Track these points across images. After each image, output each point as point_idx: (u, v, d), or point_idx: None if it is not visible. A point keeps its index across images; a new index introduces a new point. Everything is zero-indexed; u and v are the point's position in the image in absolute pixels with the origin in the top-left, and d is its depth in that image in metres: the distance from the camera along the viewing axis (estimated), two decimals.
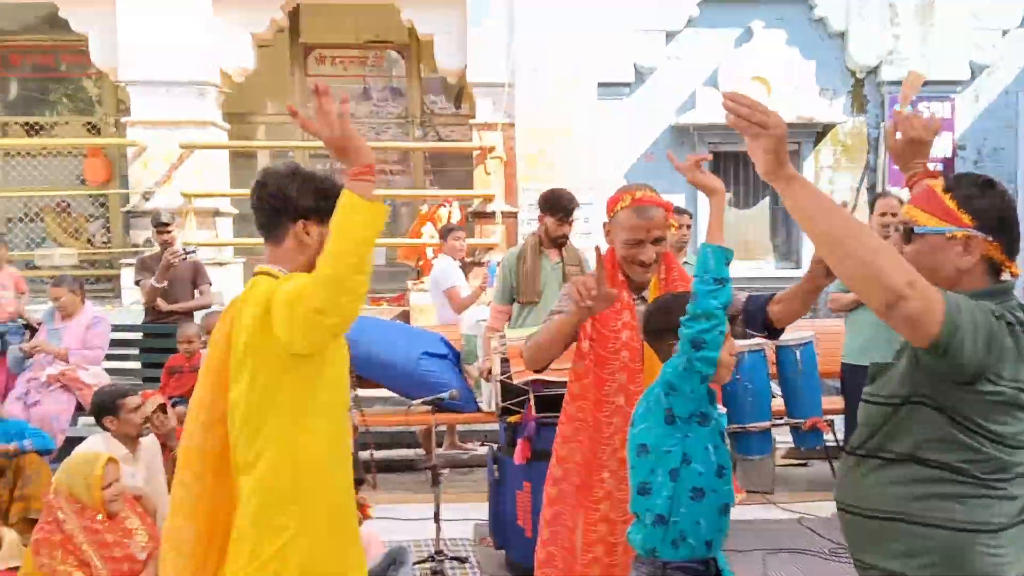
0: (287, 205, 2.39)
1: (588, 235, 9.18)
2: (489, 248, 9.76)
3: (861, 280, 1.84)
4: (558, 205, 5.52)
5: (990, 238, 2.00)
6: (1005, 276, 2.13)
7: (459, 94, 12.32)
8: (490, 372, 5.39)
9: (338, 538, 2.42)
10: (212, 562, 2.37)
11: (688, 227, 6.29)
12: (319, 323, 2.12)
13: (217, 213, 10.15)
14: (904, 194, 8.83)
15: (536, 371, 3.29)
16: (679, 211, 6.25)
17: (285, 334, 2.20)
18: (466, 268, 8.10)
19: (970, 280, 2.02)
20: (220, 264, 9.72)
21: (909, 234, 2.06)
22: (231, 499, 2.36)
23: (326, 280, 2.10)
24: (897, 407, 2.01)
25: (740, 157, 10.35)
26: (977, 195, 2.02)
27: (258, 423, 2.30)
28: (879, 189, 9.88)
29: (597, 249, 2.78)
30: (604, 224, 2.95)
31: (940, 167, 10.08)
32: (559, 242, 5.58)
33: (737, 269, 9.86)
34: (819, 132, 10.19)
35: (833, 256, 1.88)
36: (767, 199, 10.48)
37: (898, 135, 2.43)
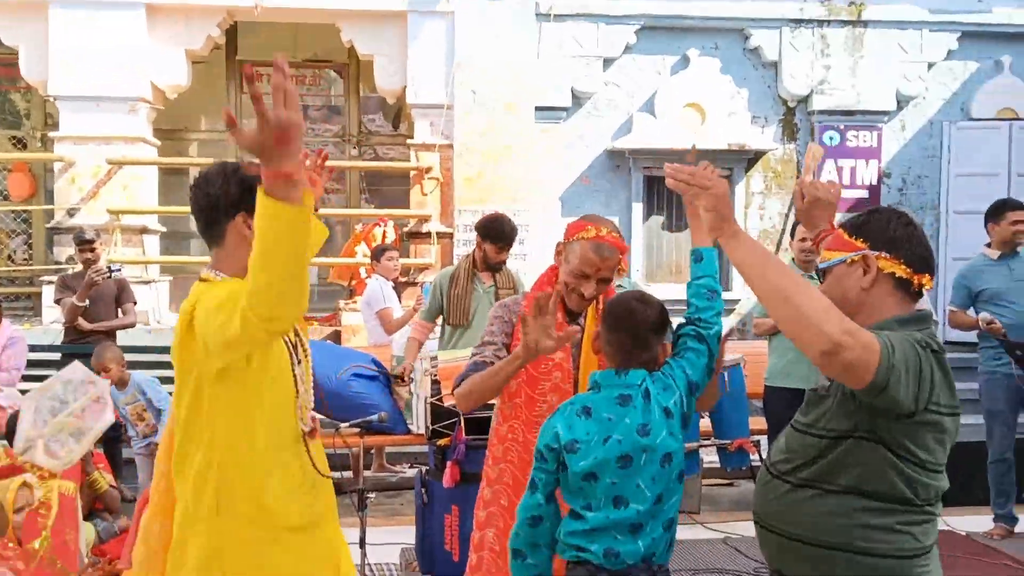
0: (221, 202, 2.34)
1: (524, 257, 9.20)
2: (423, 268, 9.72)
3: (800, 329, 1.97)
4: (500, 234, 5.49)
5: (884, 253, 2.14)
6: (922, 302, 2.25)
7: (397, 114, 12.28)
8: (403, 377, 5.44)
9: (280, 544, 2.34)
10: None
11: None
12: (262, 329, 2.01)
13: (144, 230, 9.93)
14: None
15: (466, 412, 3.21)
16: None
17: (217, 338, 2.11)
18: (399, 288, 8.04)
19: (879, 296, 2.15)
20: (146, 282, 9.51)
21: (821, 273, 2.26)
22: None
23: (263, 288, 1.95)
24: (836, 440, 2.09)
25: None
26: (864, 221, 2.22)
27: (188, 429, 2.30)
28: None
29: (557, 292, 2.74)
30: (559, 244, 2.94)
31: (866, 193, 10.33)
32: (495, 267, 5.56)
33: (669, 291, 9.95)
34: (750, 159, 10.36)
35: (773, 305, 2.06)
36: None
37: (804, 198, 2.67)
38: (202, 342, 2.19)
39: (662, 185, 10.58)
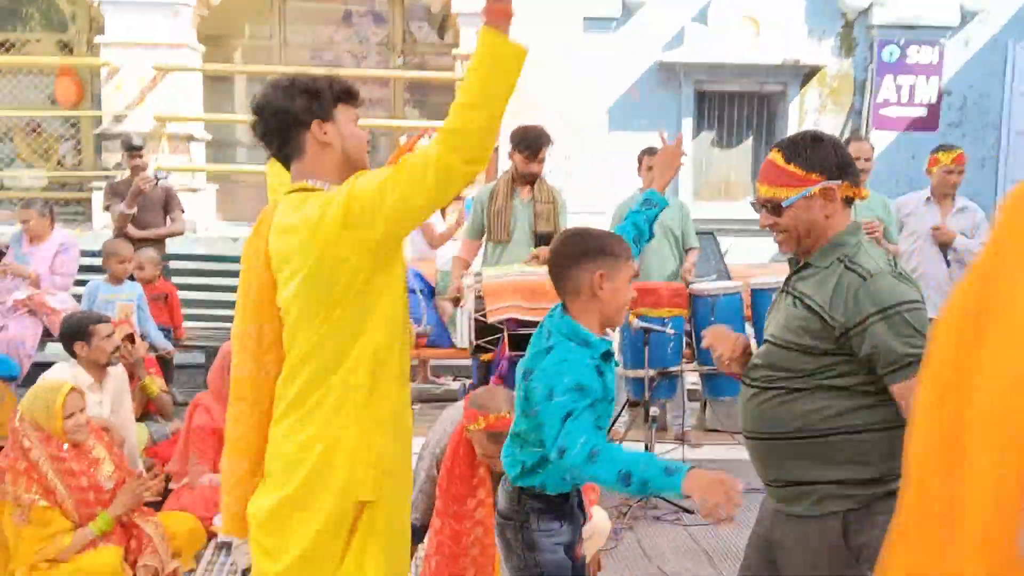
0: (292, 118, 2.35)
1: (569, 174, 9.09)
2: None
3: None
4: (524, 142, 5.39)
5: (839, 181, 2.32)
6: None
7: (443, 23, 12.04)
8: (459, 300, 5.38)
9: (403, 441, 2.46)
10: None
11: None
12: (464, 172, 2.14)
13: (191, 138, 9.94)
14: (881, 137, 8.80)
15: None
16: (651, 152, 6.14)
17: (402, 206, 2.17)
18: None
19: (835, 217, 2.33)
20: (193, 190, 9.55)
21: (778, 209, 2.35)
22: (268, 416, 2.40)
23: (465, 132, 2.11)
24: (821, 355, 2.29)
25: (725, 96, 10.22)
26: (815, 152, 2.33)
27: (334, 322, 2.28)
28: (862, 133, 9.79)
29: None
30: (463, 421, 3.26)
31: (925, 112, 10.01)
32: (529, 180, 5.46)
33: (718, 210, 9.82)
34: (806, 74, 10.05)
35: None
36: (749, 139, 10.39)
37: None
38: (370, 230, 2.19)
39: (713, 100, 10.36)
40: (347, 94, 2.41)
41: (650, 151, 6.15)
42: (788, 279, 2.44)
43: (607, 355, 2.43)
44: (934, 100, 10.01)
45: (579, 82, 9.59)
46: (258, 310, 2.38)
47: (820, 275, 2.31)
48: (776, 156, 2.38)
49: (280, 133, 2.38)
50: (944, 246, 5.69)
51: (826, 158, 2.33)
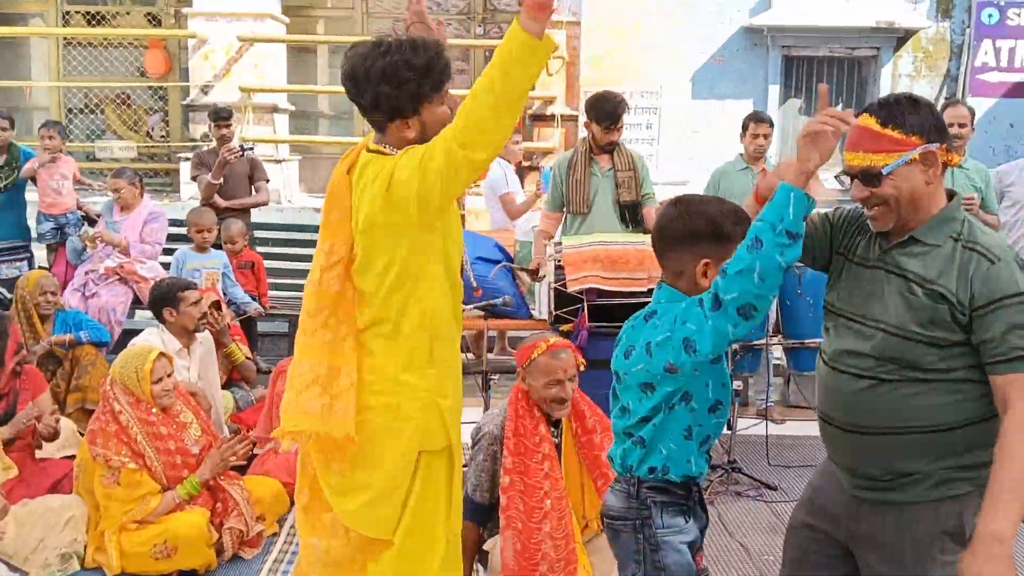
0: (386, 102, 2.40)
1: (651, 141, 8.94)
2: (547, 152, 9.56)
3: None
4: (603, 111, 5.23)
5: (938, 144, 2.15)
6: None
7: None
8: (537, 271, 5.31)
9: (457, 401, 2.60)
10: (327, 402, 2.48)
11: (766, 136, 5.96)
12: (466, 159, 2.23)
13: (275, 109, 10.07)
14: (978, 104, 8.39)
15: None
16: (758, 119, 5.97)
17: (429, 182, 2.28)
18: (522, 173, 7.94)
19: (936, 185, 2.18)
20: (277, 161, 9.68)
21: (877, 178, 2.16)
22: (351, 335, 2.47)
23: (481, 117, 2.20)
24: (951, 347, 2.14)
25: (814, 62, 9.91)
26: (913, 114, 2.16)
27: (394, 288, 2.42)
28: (959, 98, 9.39)
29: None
30: (519, 371, 3.24)
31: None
32: (608, 149, 5.35)
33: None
34: (900, 38, 9.67)
35: None
36: (839, 107, 10.04)
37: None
38: (412, 197, 2.32)
39: (802, 66, 10.05)
40: (447, 79, 2.49)
41: (756, 117, 5.99)
42: (885, 254, 2.22)
43: None
44: None
45: (663, 48, 9.40)
46: (332, 229, 2.49)
47: (933, 254, 2.15)
48: (869, 121, 2.19)
49: (374, 104, 2.42)
50: None
51: (924, 120, 2.16)
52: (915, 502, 2.17)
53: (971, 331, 2.09)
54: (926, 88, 9.81)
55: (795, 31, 9.53)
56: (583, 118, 9.37)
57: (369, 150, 2.49)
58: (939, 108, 5.60)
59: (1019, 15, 9.53)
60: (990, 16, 9.54)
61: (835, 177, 2.24)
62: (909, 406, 2.13)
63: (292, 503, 4.23)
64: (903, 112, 2.16)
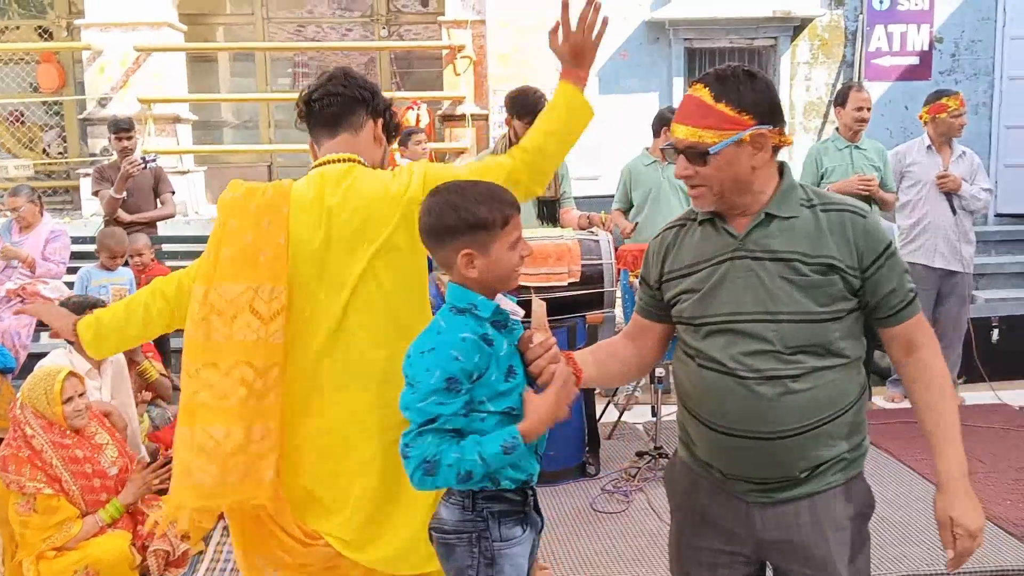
0: (374, 99, 2.48)
1: None
2: (459, 153, 9.54)
3: None
4: (524, 106, 5.24)
5: (771, 127, 2.01)
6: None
7: None
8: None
9: None
10: (242, 468, 2.27)
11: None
12: (527, 191, 2.40)
13: (177, 120, 9.82)
14: (874, 88, 8.64)
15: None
16: (664, 119, 6.01)
17: None
18: None
19: (766, 170, 2.05)
20: (182, 173, 9.45)
21: (703, 157, 2.01)
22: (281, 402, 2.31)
23: (541, 153, 2.41)
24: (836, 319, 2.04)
25: (716, 52, 10.10)
26: (748, 92, 2.00)
27: (392, 314, 2.33)
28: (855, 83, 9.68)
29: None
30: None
31: (917, 60, 9.90)
32: None
33: None
34: (796, 26, 9.93)
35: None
36: None
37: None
38: None
39: (704, 57, 10.23)
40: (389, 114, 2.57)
41: (669, 122, 6.04)
42: (744, 240, 2.03)
43: (497, 323, 2.03)
44: (926, 48, 9.91)
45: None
46: (265, 270, 2.30)
47: (796, 226, 2.01)
48: (702, 92, 2.01)
49: (352, 102, 2.45)
50: (950, 193, 5.63)
51: (760, 99, 2.00)
52: (828, 488, 2.04)
53: (862, 292, 2.00)
54: (824, 74, 10.09)
55: (696, 24, 9.71)
56: (494, 116, 9.41)
57: (330, 162, 2.41)
58: (842, 93, 5.76)
59: (909, 0, 9.87)
60: (881, 2, 9.86)
61: (661, 149, 2.13)
62: (825, 395, 1.99)
63: (217, 519, 4.13)
64: (738, 87, 1.99)
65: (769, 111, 2.01)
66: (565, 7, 2.43)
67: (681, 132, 2.03)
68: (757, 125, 1.98)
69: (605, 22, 2.43)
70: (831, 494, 2.04)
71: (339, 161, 2.41)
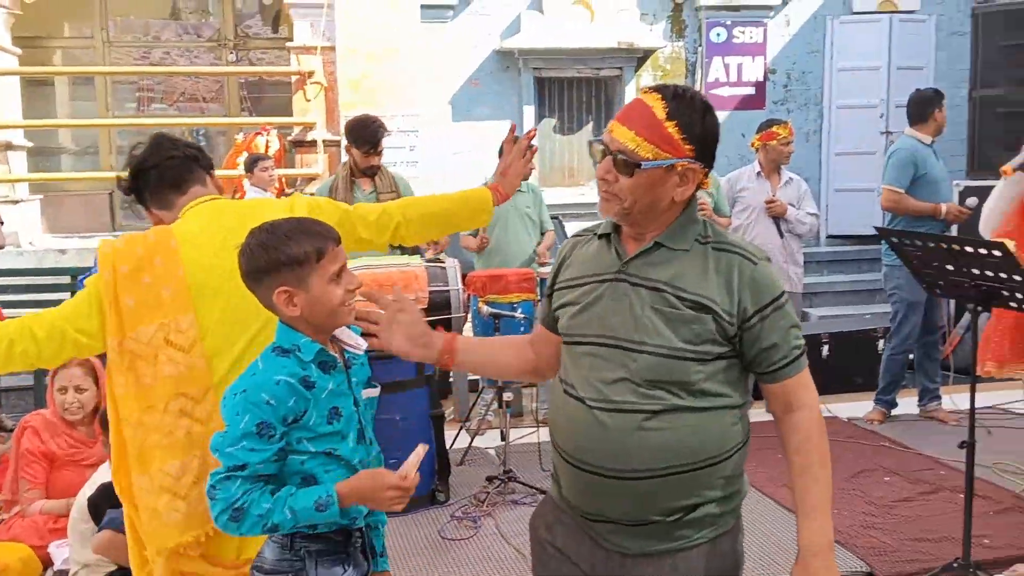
0: (202, 156, 2.56)
1: (415, 163, 9.01)
2: (311, 179, 9.43)
3: None
4: (362, 136, 5.26)
5: (703, 165, 1.91)
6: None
7: (277, 17, 11.74)
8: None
9: None
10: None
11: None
12: (397, 235, 2.68)
13: (9, 147, 9.33)
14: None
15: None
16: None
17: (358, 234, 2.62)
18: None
19: (679, 206, 1.95)
20: (14, 202, 8.97)
21: (633, 168, 1.87)
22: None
23: (427, 216, 2.73)
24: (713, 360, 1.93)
25: (564, 82, 10.36)
26: (699, 122, 1.88)
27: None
28: None
29: None
30: None
31: (753, 90, 10.42)
32: (369, 172, 5.37)
33: (563, 195, 9.95)
34: (640, 57, 10.30)
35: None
36: (590, 124, 10.56)
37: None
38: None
39: (553, 86, 10.48)
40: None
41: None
42: (627, 264, 1.94)
43: (324, 364, 1.98)
44: (760, 79, 10.44)
45: (420, 72, 9.52)
46: (171, 305, 2.32)
47: (683, 260, 1.91)
48: (656, 104, 1.87)
49: (188, 164, 2.52)
50: (777, 218, 5.93)
51: (708, 135, 1.90)
52: (692, 545, 1.92)
53: (738, 341, 1.89)
54: None
55: (544, 53, 9.94)
56: (345, 142, 9.32)
57: (202, 203, 2.48)
58: None
59: (744, 33, 10.39)
60: (718, 35, 10.34)
61: (590, 142, 1.88)
62: (686, 439, 1.86)
63: (44, 567, 3.93)
64: (691, 114, 1.87)
65: (709, 150, 1.91)
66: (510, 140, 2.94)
67: (620, 134, 1.88)
68: (695, 159, 1.88)
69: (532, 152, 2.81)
70: (696, 552, 1.92)
71: (210, 200, 2.49)
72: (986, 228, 3.49)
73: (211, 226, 2.38)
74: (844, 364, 7.02)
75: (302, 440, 1.94)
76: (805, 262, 7.69)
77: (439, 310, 4.59)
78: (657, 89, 1.90)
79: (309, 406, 1.93)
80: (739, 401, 1.94)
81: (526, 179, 5.98)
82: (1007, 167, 3.26)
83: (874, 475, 4.96)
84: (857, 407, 6.18)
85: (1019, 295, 3.05)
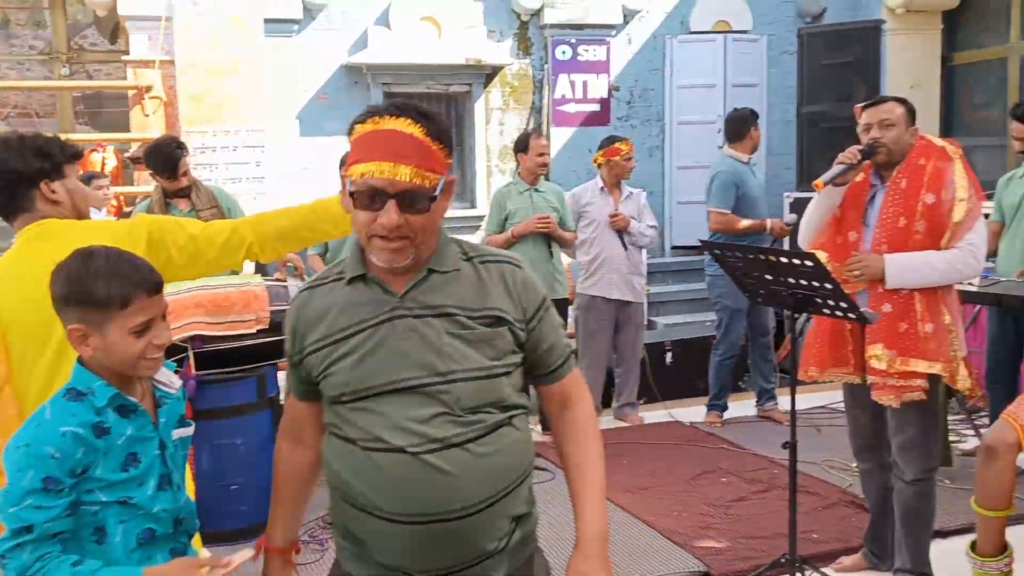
0: (21, 176, 2.42)
1: (261, 179, 8.83)
2: (148, 196, 9.09)
3: None
4: (158, 163, 5.02)
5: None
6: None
7: (115, 29, 11.29)
8: None
9: None
10: None
11: None
12: (250, 253, 2.69)
13: None
14: (561, 133, 9.24)
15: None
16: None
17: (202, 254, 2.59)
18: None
19: (438, 226, 1.91)
20: None
21: (423, 203, 1.78)
22: None
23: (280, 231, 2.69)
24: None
25: (414, 97, 10.34)
26: (446, 132, 1.85)
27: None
28: (544, 129, 10.32)
29: None
30: None
31: (598, 107, 10.68)
32: (182, 194, 5.17)
33: None
34: (488, 74, 10.41)
35: None
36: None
37: None
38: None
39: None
40: (75, 156, 2.57)
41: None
42: (403, 299, 1.84)
43: (123, 407, 1.87)
44: (605, 96, 10.73)
45: (266, 87, 9.34)
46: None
47: (459, 280, 1.87)
48: (412, 128, 1.77)
49: (9, 190, 2.43)
50: (621, 231, 6.11)
51: (451, 144, 1.86)
52: (523, 562, 1.93)
53: (526, 346, 1.91)
54: (516, 120, 10.64)
55: (392, 69, 9.92)
56: (188, 159, 9.03)
57: (30, 228, 2.44)
58: (523, 139, 6.08)
59: (588, 51, 10.64)
60: (564, 52, 10.57)
61: (352, 191, 1.79)
62: (510, 456, 1.86)
63: None
64: (440, 125, 1.83)
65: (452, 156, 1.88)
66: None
67: (403, 173, 1.73)
68: (450, 171, 1.86)
69: None
70: (528, 568, 1.94)
71: (41, 224, 2.43)
72: (803, 240, 3.70)
73: (31, 257, 2.29)
74: (687, 370, 7.30)
75: (93, 490, 1.80)
76: (651, 272, 7.95)
77: (281, 331, 4.50)
78: (400, 113, 1.80)
79: (98, 457, 1.80)
80: (527, 406, 1.97)
81: None
82: (818, 181, 3.46)
83: (713, 476, 5.17)
84: (699, 411, 6.44)
85: (831, 302, 3.24)
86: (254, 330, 4.50)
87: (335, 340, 1.84)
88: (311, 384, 1.92)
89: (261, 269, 5.39)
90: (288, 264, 5.29)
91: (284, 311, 4.60)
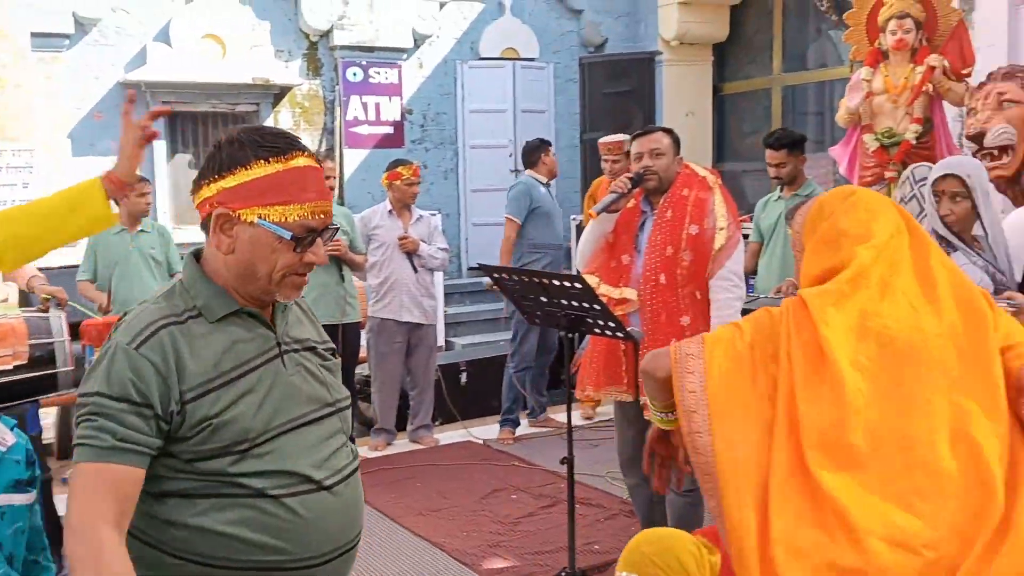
0: None
1: (26, 187, 8.32)
2: None
3: None
4: None
5: None
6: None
7: None
8: None
9: None
10: None
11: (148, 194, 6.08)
12: None
13: None
14: (354, 155, 9.23)
15: None
16: (141, 179, 5.95)
17: None
18: None
19: None
20: None
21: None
22: None
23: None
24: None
25: (198, 117, 10.01)
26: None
27: None
28: (337, 151, 10.23)
29: None
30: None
31: (391, 129, 10.70)
32: None
33: (200, 235, 9.53)
34: (276, 94, 10.20)
35: None
36: None
37: None
38: None
39: (187, 121, 10.06)
40: None
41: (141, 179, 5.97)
42: (280, 344, 1.82)
43: None
44: (398, 118, 10.75)
45: (33, 104, 8.76)
46: None
47: (290, 313, 1.91)
48: (312, 162, 1.88)
49: None
50: (410, 254, 6.13)
51: None
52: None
53: None
54: (309, 141, 10.41)
55: (173, 87, 9.54)
56: None
57: None
58: (324, 152, 6.05)
59: (379, 74, 10.64)
60: (355, 74, 10.51)
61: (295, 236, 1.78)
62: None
63: None
64: (316, 159, 1.96)
65: None
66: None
67: (331, 210, 1.85)
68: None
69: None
70: None
71: None
72: (580, 264, 3.86)
73: None
74: (482, 389, 7.39)
75: None
76: (448, 293, 8.02)
77: (42, 365, 4.21)
78: (301, 147, 1.88)
79: None
80: None
81: (145, 215, 5.73)
82: (591, 211, 3.63)
83: (503, 494, 5.26)
84: (493, 429, 6.54)
85: (600, 322, 3.39)
86: (11, 366, 4.19)
87: (224, 382, 1.69)
88: (175, 440, 1.66)
89: (25, 300, 5.04)
90: (49, 297, 4.97)
91: (46, 344, 4.33)
